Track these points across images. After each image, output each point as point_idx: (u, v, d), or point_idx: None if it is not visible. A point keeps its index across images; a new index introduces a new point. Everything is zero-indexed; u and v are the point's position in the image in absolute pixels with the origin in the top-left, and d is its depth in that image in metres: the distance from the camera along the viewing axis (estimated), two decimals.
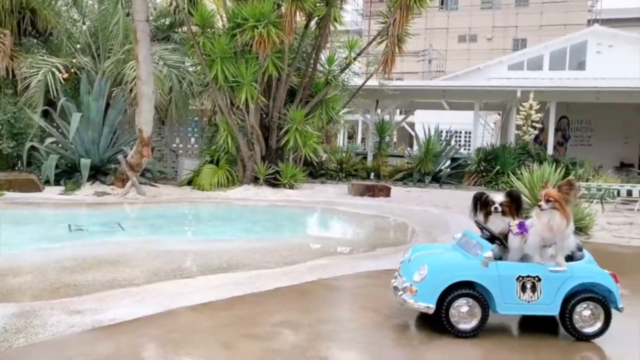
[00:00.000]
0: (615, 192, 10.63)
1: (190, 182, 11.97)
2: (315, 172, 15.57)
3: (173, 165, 14.05)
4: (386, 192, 11.38)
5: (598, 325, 3.10)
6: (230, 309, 3.62)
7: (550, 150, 16.12)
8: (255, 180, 11.94)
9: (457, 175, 15.47)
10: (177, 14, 12.10)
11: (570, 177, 3.31)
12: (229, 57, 11.08)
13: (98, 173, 11.38)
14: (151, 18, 13.22)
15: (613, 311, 3.12)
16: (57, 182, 10.67)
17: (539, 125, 14.78)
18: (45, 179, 10.67)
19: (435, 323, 3.14)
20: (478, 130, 18.69)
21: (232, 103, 11.68)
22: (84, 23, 12.86)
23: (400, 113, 27.85)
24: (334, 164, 15.81)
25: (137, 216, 8.50)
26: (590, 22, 31.52)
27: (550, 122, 16.40)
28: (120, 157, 10.52)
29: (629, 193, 10.73)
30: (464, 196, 7.85)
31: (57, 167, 10.84)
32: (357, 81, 14.66)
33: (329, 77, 12.42)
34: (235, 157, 12.20)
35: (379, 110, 18.67)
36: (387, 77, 14.32)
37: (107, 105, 11.65)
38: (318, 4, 11.65)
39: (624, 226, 8.46)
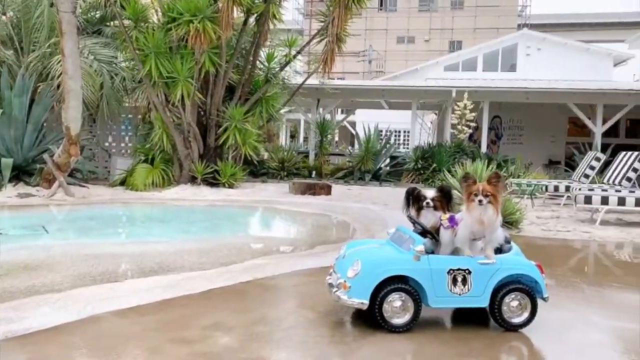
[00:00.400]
0: (544, 188, 11.14)
1: (123, 183, 11.49)
2: (257, 171, 15.39)
3: (105, 165, 13.45)
4: (327, 190, 11.38)
5: (525, 315, 3.18)
6: (158, 313, 3.44)
7: (484, 148, 16.74)
8: (192, 180, 11.63)
9: (396, 173, 15.77)
10: (109, 7, 11.55)
11: (496, 170, 3.34)
12: (164, 53, 10.75)
13: (22, 173, 10.70)
14: (80, 10, 12.60)
15: (539, 301, 3.21)
16: None
17: (473, 124, 15.28)
18: None
19: (370, 319, 3.12)
20: (416, 130, 19.09)
21: (167, 100, 11.31)
22: (4, 13, 12.06)
23: (342, 112, 28.10)
24: (276, 163, 15.68)
25: (64, 218, 8.04)
26: (520, 27, 33.02)
27: (483, 121, 17.03)
28: (46, 156, 9.92)
29: (556, 188, 11.30)
30: (402, 193, 7.96)
31: None
32: (299, 80, 14.62)
33: (269, 75, 12.28)
34: (171, 156, 11.83)
35: (320, 109, 18.70)
36: (328, 76, 14.35)
37: (32, 101, 10.98)
38: (257, 0, 11.49)
39: (551, 220, 8.88)
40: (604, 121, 16.35)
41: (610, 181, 10.77)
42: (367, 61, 39.87)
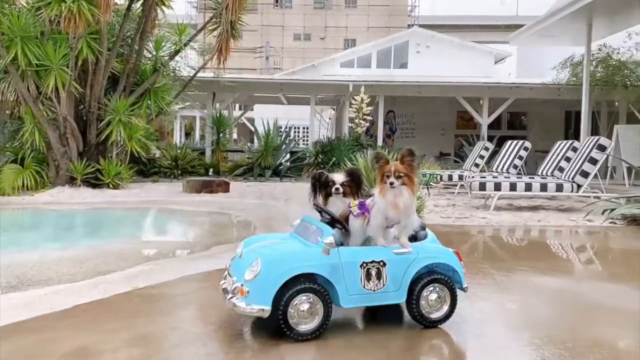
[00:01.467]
0: (438, 177, 11.38)
1: None
2: (146, 170, 14.31)
3: None
4: (225, 187, 10.73)
5: (445, 309, 2.86)
6: (6, 341, 2.69)
7: (380, 141, 16.96)
8: (71, 181, 10.42)
9: (296, 168, 15.46)
10: None
11: (409, 147, 2.98)
12: (33, 37, 9.43)
13: None
14: None
15: (458, 292, 2.92)
16: None
17: (369, 118, 15.38)
18: None
19: (273, 328, 2.64)
20: (315, 125, 18.96)
21: (39, 91, 9.98)
22: None
23: (240, 108, 27.32)
24: (168, 161, 14.66)
25: None
26: (409, 26, 34.30)
27: (379, 115, 17.26)
28: None
29: (450, 178, 11.60)
30: (303, 188, 7.61)
31: None
32: (192, 72, 13.73)
33: (157, 64, 11.32)
34: (45, 154, 10.49)
35: (217, 104, 17.90)
36: (224, 68, 13.60)
37: None
38: None
39: (448, 207, 9.00)
40: (489, 114, 17.28)
41: (499, 169, 11.25)
42: (265, 57, 39.31)
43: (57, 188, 10.20)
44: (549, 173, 9.37)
